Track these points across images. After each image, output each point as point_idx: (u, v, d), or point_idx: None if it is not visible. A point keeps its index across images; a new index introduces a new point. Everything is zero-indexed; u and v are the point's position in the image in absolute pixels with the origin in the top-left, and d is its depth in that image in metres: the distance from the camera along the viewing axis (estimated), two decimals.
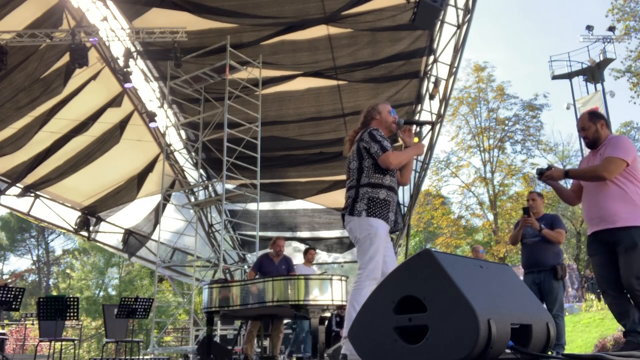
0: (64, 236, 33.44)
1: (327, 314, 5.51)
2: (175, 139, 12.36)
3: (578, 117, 19.37)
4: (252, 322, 6.62)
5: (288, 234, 14.23)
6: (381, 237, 3.38)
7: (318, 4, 8.75)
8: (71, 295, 8.28)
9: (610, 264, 3.47)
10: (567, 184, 4.75)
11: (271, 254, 6.72)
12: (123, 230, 13.17)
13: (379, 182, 3.44)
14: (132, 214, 13.00)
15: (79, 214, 12.37)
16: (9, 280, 7.68)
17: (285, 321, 9.30)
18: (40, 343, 8.42)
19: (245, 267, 13.12)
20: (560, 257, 5.27)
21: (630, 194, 3.48)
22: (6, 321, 16.49)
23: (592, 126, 3.67)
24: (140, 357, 9.61)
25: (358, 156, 3.49)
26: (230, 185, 10.89)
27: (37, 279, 34.69)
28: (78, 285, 29.84)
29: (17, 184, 11.37)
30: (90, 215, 12.54)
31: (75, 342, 9.45)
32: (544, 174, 3.70)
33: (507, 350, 2.17)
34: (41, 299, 6.65)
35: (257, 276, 6.37)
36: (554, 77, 21.37)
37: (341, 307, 5.62)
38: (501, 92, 25.58)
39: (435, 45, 9.97)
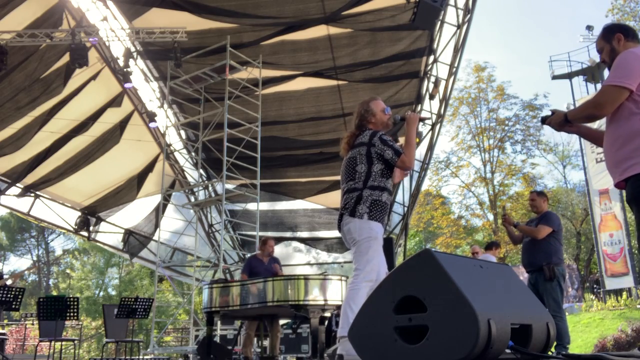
0: (64, 236, 33.45)
1: (327, 314, 5.50)
2: (175, 139, 12.37)
3: None
4: (248, 323, 6.61)
5: (288, 234, 14.24)
6: (379, 241, 3.41)
7: (318, 4, 8.75)
8: (71, 295, 8.28)
9: None
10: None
11: (260, 255, 6.66)
12: (123, 230, 13.18)
13: (382, 186, 3.45)
14: (132, 214, 13.00)
15: (79, 214, 12.38)
16: (9, 281, 7.69)
17: (285, 321, 9.32)
18: (40, 343, 8.41)
19: None
20: (552, 257, 5.10)
21: (637, 129, 2.56)
22: (6, 321, 16.50)
23: (606, 45, 2.79)
24: (140, 357, 9.61)
25: (367, 160, 3.45)
26: (230, 185, 10.89)
27: (37, 279, 34.69)
28: (78, 285, 29.82)
29: (17, 184, 11.38)
30: (90, 215, 12.54)
31: (75, 342, 9.45)
32: (546, 121, 3.01)
33: (507, 350, 2.17)
34: (41, 299, 6.64)
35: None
36: (554, 77, 21.33)
37: (341, 307, 5.61)
38: (501, 92, 25.58)
39: (435, 45, 9.98)
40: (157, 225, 12.43)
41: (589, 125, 3.01)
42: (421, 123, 11.82)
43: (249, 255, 10.01)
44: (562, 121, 2.85)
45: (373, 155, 3.44)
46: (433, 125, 11.23)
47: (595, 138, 3.05)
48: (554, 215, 5.41)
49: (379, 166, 3.44)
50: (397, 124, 3.60)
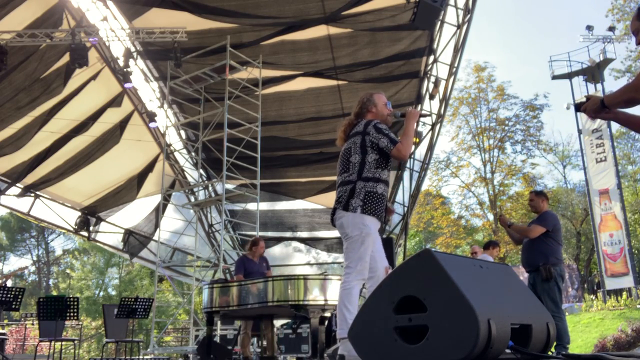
0: (64, 236, 33.46)
1: (327, 314, 5.50)
2: (175, 139, 12.36)
3: (578, 117, 19.42)
4: (244, 323, 6.60)
5: (288, 234, 14.23)
6: (372, 236, 3.32)
7: (318, 4, 8.75)
8: (71, 295, 8.28)
9: None
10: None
11: (250, 255, 6.60)
12: (123, 230, 13.18)
13: (377, 177, 3.37)
14: (132, 214, 13.00)
15: (79, 214, 12.37)
16: (4, 280, 7.69)
17: (285, 321, 9.32)
18: (40, 343, 8.41)
19: None
20: (549, 257, 5.07)
21: None
22: (6, 321, 16.50)
23: None
24: (140, 357, 9.61)
25: (362, 150, 3.38)
26: (230, 185, 10.89)
27: (37, 279, 34.69)
28: (78, 285, 29.83)
29: (17, 184, 11.37)
30: (90, 215, 12.54)
31: (75, 342, 9.45)
32: (581, 108, 2.78)
33: (507, 350, 2.17)
34: (41, 299, 6.64)
35: None
36: (554, 77, 21.33)
37: None
38: (501, 92, 25.59)
39: (435, 45, 9.97)
40: (157, 225, 12.43)
41: (627, 110, 2.77)
42: (421, 123, 11.82)
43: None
44: (599, 107, 2.64)
45: (367, 145, 3.37)
46: (433, 125, 11.23)
47: (636, 124, 2.79)
48: (549, 215, 5.35)
49: (373, 156, 3.36)
50: (398, 123, 3.57)
